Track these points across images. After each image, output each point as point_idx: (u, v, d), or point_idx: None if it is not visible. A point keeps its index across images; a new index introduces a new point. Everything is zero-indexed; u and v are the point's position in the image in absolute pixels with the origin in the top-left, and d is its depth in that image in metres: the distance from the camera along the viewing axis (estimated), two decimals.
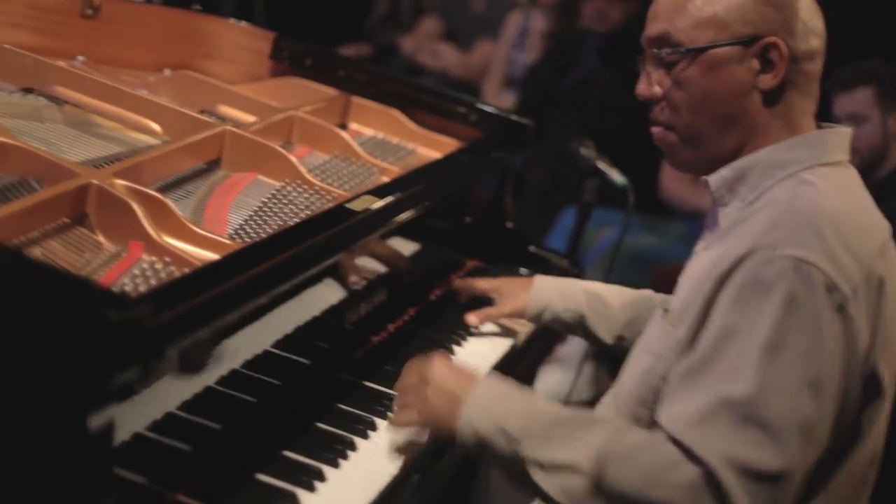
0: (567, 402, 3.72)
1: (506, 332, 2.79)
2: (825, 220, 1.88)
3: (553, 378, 4.45)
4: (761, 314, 1.83)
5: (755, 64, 2.01)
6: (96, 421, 1.57)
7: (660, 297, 2.56)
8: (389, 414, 2.22)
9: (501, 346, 2.73)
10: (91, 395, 1.57)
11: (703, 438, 1.82)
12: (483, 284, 2.81)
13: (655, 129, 2.12)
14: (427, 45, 6.91)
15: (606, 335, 2.62)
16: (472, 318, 2.73)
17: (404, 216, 2.48)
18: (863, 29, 6.02)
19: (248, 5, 4.54)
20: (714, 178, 2.08)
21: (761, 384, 1.80)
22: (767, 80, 2.01)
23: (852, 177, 2.07)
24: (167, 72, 3.21)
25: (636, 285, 2.71)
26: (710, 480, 1.79)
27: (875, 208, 2.07)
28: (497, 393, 2.03)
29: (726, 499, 1.78)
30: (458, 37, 6.91)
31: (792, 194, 1.96)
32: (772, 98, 2.02)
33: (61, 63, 2.79)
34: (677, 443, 1.84)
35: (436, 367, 2.11)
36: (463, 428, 1.99)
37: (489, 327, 2.78)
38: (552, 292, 2.69)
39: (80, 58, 3.03)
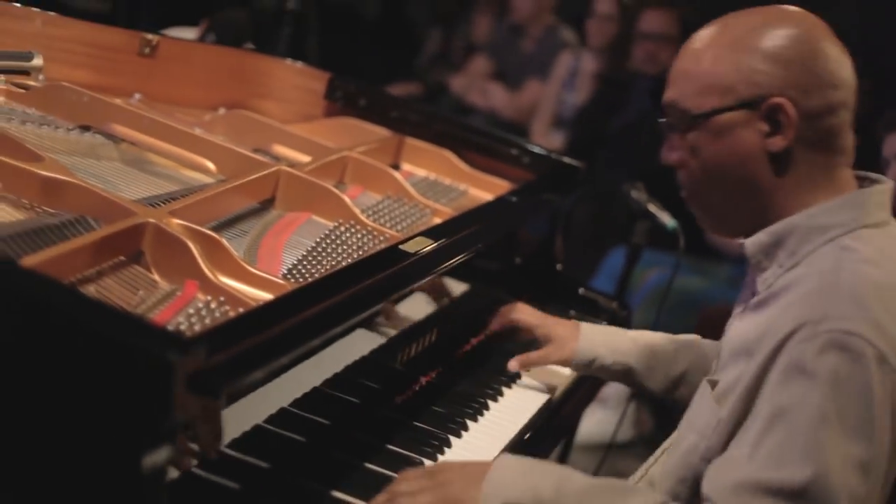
0: (611, 442, 3.72)
1: (552, 374, 2.78)
2: (870, 288, 1.85)
3: (596, 418, 4.44)
4: (808, 394, 1.80)
5: (764, 126, 1.96)
6: (150, 461, 1.58)
7: (707, 343, 2.54)
8: None
9: (547, 390, 2.73)
10: (146, 436, 1.58)
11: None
12: (531, 319, 2.73)
13: (684, 195, 2.10)
14: (477, 85, 6.93)
15: (655, 387, 2.58)
16: (513, 363, 2.65)
17: (458, 258, 2.49)
18: None
19: (300, 45, 4.58)
20: (750, 243, 2.03)
21: (810, 467, 1.78)
22: (777, 143, 1.95)
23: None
24: (222, 111, 3.24)
25: (682, 326, 2.71)
26: None
27: None
28: (524, 464, 2.02)
29: None
30: (508, 77, 6.93)
31: (835, 264, 1.91)
32: (786, 160, 1.97)
33: (118, 101, 2.83)
34: None
35: (441, 462, 2.15)
36: (490, 498, 1.93)
37: (535, 372, 2.77)
38: (600, 343, 2.62)
39: (137, 95, 3.07)
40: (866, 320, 1.81)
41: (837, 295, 1.84)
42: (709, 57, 1.99)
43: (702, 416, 2.04)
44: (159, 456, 1.59)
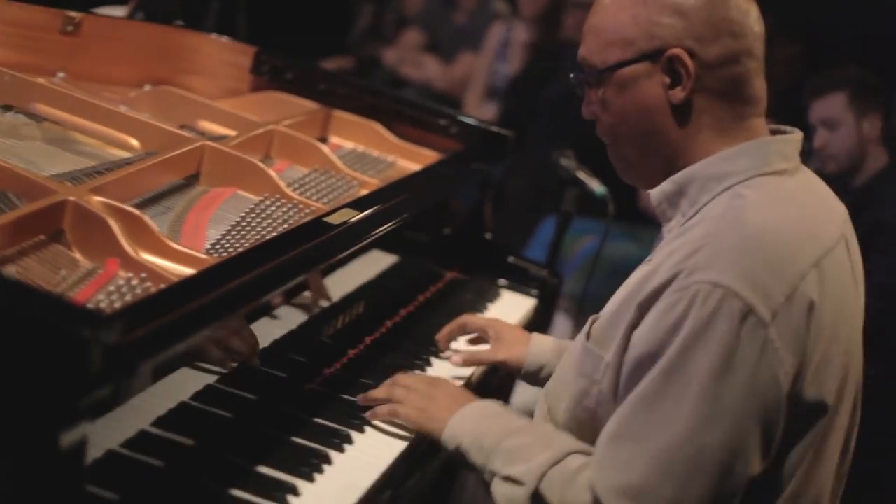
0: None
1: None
2: (747, 238, 1.85)
3: (529, 391, 4.43)
4: (670, 344, 1.83)
5: (665, 78, 1.96)
6: (68, 439, 1.58)
7: None
8: (379, 408, 2.26)
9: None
10: (63, 413, 1.58)
11: (600, 469, 1.89)
12: (479, 322, 2.69)
13: (607, 148, 2.12)
14: (409, 58, 6.92)
15: None
16: (457, 359, 2.62)
17: (383, 229, 2.49)
18: (840, 38, 6.08)
19: (230, 21, 4.55)
20: (655, 193, 2.05)
21: (656, 411, 1.83)
22: (677, 94, 1.96)
23: (798, 183, 2.02)
24: (148, 87, 3.22)
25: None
26: None
27: (825, 214, 2.01)
28: (484, 412, 2.16)
29: None
30: (441, 49, 6.92)
31: (720, 212, 1.92)
32: (689, 111, 1.98)
33: (41, 80, 2.80)
34: (588, 472, 1.92)
35: (440, 378, 2.34)
36: (449, 434, 2.13)
37: (465, 343, 2.77)
38: (550, 351, 2.58)
39: (61, 74, 3.04)
40: (736, 271, 1.81)
41: (713, 245, 1.85)
42: (612, 11, 2.01)
43: (586, 361, 2.06)
44: (77, 433, 1.58)
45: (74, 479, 1.62)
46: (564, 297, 5.04)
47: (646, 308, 1.89)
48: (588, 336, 2.08)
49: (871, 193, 4.44)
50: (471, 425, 2.12)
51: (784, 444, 1.90)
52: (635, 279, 2.02)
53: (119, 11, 3.73)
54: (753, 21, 1.99)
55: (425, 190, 2.83)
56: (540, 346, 2.60)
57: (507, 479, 2.01)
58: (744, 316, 1.79)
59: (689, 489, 1.81)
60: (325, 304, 2.47)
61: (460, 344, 2.73)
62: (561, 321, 5.01)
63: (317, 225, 2.35)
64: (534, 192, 5.55)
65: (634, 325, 1.91)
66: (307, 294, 2.40)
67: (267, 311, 2.25)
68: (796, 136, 2.05)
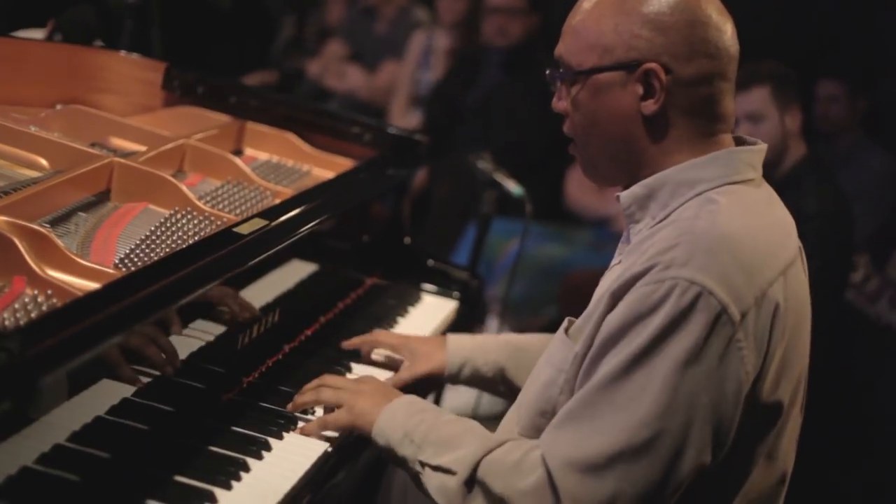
0: (474, 417, 3.74)
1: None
2: (722, 240, 1.91)
3: (459, 395, 4.44)
4: (640, 332, 1.88)
5: (638, 89, 2.01)
6: None
7: None
8: (307, 426, 2.28)
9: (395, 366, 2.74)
10: None
11: (552, 441, 1.93)
12: (390, 339, 2.72)
13: (570, 144, 2.16)
14: (333, 68, 6.92)
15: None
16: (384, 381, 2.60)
17: (293, 237, 2.50)
18: (758, 32, 6.14)
19: (145, 38, 4.54)
20: (625, 195, 2.09)
21: (618, 392, 1.88)
22: (649, 106, 2.01)
23: (763, 195, 2.08)
24: (59, 107, 3.21)
25: (546, 294, 2.74)
26: (550, 483, 1.90)
27: (785, 227, 2.08)
28: (412, 407, 2.20)
29: (559, 500, 1.89)
30: (364, 59, 6.93)
31: (695, 213, 1.97)
32: (659, 123, 2.03)
33: None
34: (537, 450, 1.96)
35: (367, 375, 2.40)
36: (378, 430, 2.17)
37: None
38: (469, 347, 2.65)
39: None
40: (712, 270, 1.87)
41: (689, 243, 1.90)
42: (594, 16, 2.04)
43: (558, 351, 2.11)
44: None
45: None
46: (495, 300, 5.07)
47: (619, 297, 1.94)
48: (566, 332, 2.13)
49: (790, 184, 4.50)
50: (401, 419, 2.16)
51: (740, 443, 1.95)
52: (609, 279, 2.08)
53: (38, 34, 3.71)
54: (729, 43, 2.04)
55: (336, 197, 2.83)
56: (457, 345, 2.66)
57: (438, 468, 2.05)
58: (717, 315, 1.86)
59: (638, 471, 1.86)
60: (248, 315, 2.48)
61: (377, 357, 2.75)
62: (492, 324, 5.03)
63: (225, 235, 2.35)
64: (459, 197, 5.56)
65: (607, 313, 1.96)
66: (226, 308, 2.40)
67: (183, 323, 2.26)
68: (761, 147, 2.10)
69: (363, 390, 2.28)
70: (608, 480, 1.86)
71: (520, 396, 2.25)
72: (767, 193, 2.10)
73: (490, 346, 2.66)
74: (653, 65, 1.99)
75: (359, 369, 2.66)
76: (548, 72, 2.13)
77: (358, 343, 2.72)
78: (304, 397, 2.33)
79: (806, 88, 4.90)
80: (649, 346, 1.86)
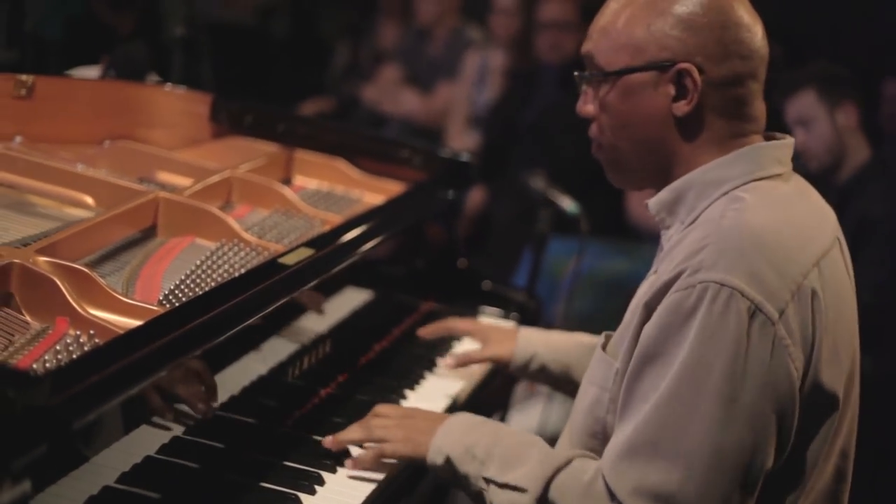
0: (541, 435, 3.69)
1: (460, 375, 2.75)
2: (749, 238, 1.88)
3: (525, 417, 4.39)
4: (679, 343, 1.84)
5: (671, 90, 1.99)
6: (6, 498, 1.54)
7: None
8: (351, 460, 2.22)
9: (453, 389, 2.70)
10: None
11: (617, 474, 1.88)
12: (466, 325, 2.79)
13: (594, 147, 2.13)
14: (389, 93, 6.90)
15: None
16: (450, 361, 2.72)
17: (339, 266, 2.47)
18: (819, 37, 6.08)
19: (196, 71, 4.57)
20: (654, 202, 2.07)
21: (672, 414, 1.84)
22: (681, 107, 1.99)
23: (793, 188, 2.05)
24: (107, 143, 3.20)
25: (612, 309, 2.68)
26: None
27: (818, 218, 2.05)
28: (470, 422, 2.16)
29: None
30: (419, 81, 6.90)
31: (720, 213, 1.94)
32: (691, 124, 2.00)
33: None
34: (603, 478, 1.91)
35: (409, 406, 2.34)
36: (435, 449, 2.11)
37: (442, 373, 2.75)
38: (539, 343, 2.64)
39: (18, 139, 3.01)
40: (742, 270, 1.84)
41: (715, 244, 1.87)
42: (625, 16, 2.01)
43: (598, 369, 2.09)
44: (15, 493, 1.54)
45: None
46: (560, 319, 5.00)
47: (652, 307, 1.91)
48: (604, 348, 2.11)
49: (855, 190, 4.42)
50: (457, 436, 2.12)
51: (799, 441, 1.92)
52: (643, 289, 2.06)
53: (93, 72, 3.73)
54: (760, 44, 2.02)
55: (383, 222, 2.79)
56: (527, 339, 2.66)
57: (506, 486, 2.01)
58: (752, 314, 1.82)
59: (710, 488, 1.82)
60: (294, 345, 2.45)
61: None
62: None
63: (270, 266, 2.32)
64: (518, 217, 5.52)
65: (643, 325, 1.93)
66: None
67: (235, 357, 2.23)
68: (788, 141, 2.07)
69: (414, 419, 2.23)
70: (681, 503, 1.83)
71: (570, 418, 2.21)
72: (797, 186, 2.07)
73: (559, 344, 2.64)
74: (686, 65, 1.97)
75: (413, 396, 2.62)
76: (575, 74, 2.10)
77: (431, 331, 2.79)
78: (351, 434, 2.26)
79: (871, 88, 4.82)
80: (691, 359, 1.83)
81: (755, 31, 2.01)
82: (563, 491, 1.95)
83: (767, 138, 2.07)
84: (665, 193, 2.04)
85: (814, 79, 4.37)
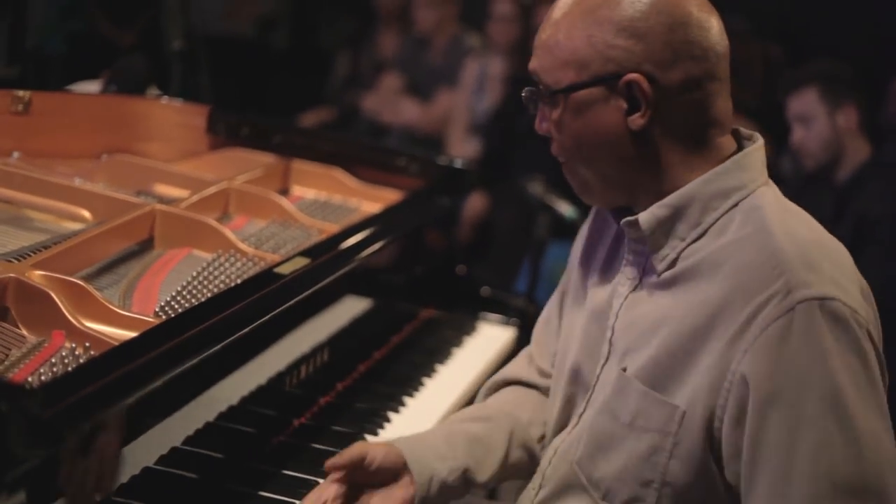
0: None
1: (464, 371, 2.76)
2: (810, 248, 1.81)
3: None
4: (812, 371, 1.73)
5: (622, 104, 1.86)
6: None
7: (521, 393, 2.34)
8: None
9: (453, 396, 2.70)
10: None
11: None
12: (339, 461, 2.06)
13: (562, 168, 2.01)
14: (389, 102, 6.90)
15: (487, 477, 2.17)
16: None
17: (335, 275, 2.47)
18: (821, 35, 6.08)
19: (195, 83, 4.57)
20: (646, 219, 1.91)
21: (850, 444, 1.73)
22: (636, 120, 1.86)
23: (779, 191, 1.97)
24: (105, 157, 3.21)
25: None
26: None
27: None
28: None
29: None
30: (420, 90, 6.91)
31: (759, 228, 1.84)
32: (650, 137, 1.88)
33: None
34: None
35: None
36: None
37: (442, 380, 2.74)
38: (427, 458, 2.10)
39: (16, 154, 3.02)
40: (829, 281, 1.76)
41: (787, 262, 1.78)
42: (564, 29, 1.88)
43: (650, 414, 1.89)
44: None
45: None
46: None
47: (737, 341, 1.78)
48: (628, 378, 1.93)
49: (854, 188, 4.42)
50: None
51: None
52: (653, 310, 1.92)
53: (94, 87, 3.75)
54: (716, 39, 1.88)
55: (379, 230, 2.79)
56: (417, 459, 2.09)
57: None
58: (857, 320, 1.75)
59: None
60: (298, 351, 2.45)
61: None
62: None
63: (265, 276, 2.33)
64: (519, 224, 5.52)
65: (726, 360, 1.79)
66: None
67: (234, 367, 2.24)
68: (760, 141, 1.97)
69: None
70: None
71: (590, 461, 2.00)
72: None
73: (443, 449, 2.13)
74: (634, 75, 1.84)
75: (413, 404, 2.62)
76: (523, 93, 2.00)
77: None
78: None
79: (875, 86, 4.82)
80: (832, 379, 1.73)
81: (708, 27, 1.87)
82: None
83: (735, 136, 1.97)
84: (659, 210, 1.90)
85: (817, 77, 4.37)
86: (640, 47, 1.84)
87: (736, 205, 1.88)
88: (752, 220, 1.85)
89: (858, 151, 4.45)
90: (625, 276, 2.01)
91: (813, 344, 1.73)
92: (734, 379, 1.78)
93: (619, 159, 1.90)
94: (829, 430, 1.72)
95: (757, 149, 1.95)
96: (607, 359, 2.01)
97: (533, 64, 1.96)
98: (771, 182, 1.96)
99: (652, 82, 1.84)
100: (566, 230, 3.89)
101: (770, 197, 1.90)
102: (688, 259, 1.89)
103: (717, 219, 1.88)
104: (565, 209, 3.56)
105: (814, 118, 4.33)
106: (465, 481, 2.14)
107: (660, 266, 1.93)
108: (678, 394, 1.85)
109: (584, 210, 3.48)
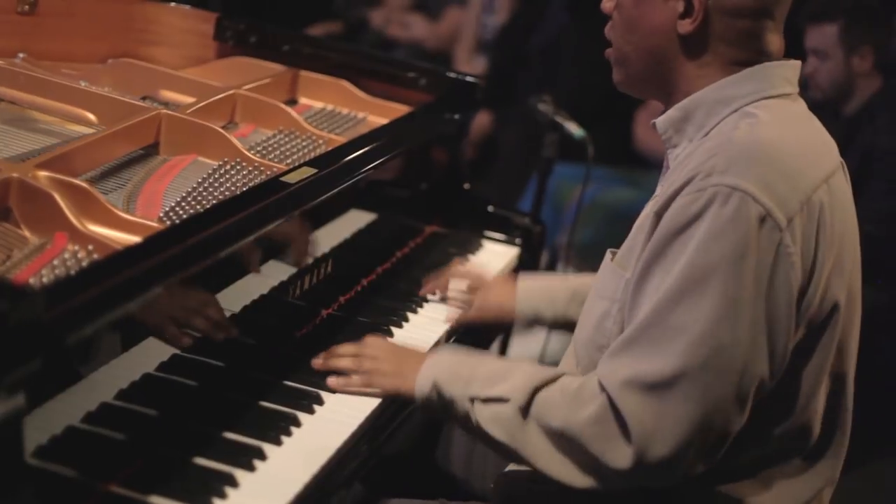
0: (542, 363, 3.68)
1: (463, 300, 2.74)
2: (762, 148, 1.88)
3: (526, 343, 4.38)
4: (685, 242, 1.84)
5: (679, 6, 1.97)
6: None
7: None
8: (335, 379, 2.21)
9: (455, 312, 2.68)
10: None
11: (611, 368, 1.89)
12: (464, 272, 2.75)
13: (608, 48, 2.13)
14: (397, 17, 6.84)
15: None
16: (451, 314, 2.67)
17: (341, 185, 2.45)
18: None
19: None
20: (661, 120, 2.07)
21: (674, 309, 1.83)
22: (685, 25, 1.97)
23: (802, 108, 2.06)
24: (111, 62, 3.17)
25: (616, 237, 2.65)
26: (612, 407, 1.86)
27: (825, 140, 2.06)
28: (457, 351, 2.21)
29: (625, 422, 1.84)
30: (428, 6, 6.84)
31: (733, 126, 1.95)
32: (694, 44, 1.99)
33: None
34: (597, 379, 1.91)
35: (390, 342, 2.33)
36: (423, 377, 2.11)
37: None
38: (540, 297, 2.61)
39: (21, 55, 2.98)
40: (753, 176, 1.84)
41: (728, 152, 1.87)
42: None
43: (608, 282, 2.08)
44: (8, 406, 1.53)
45: (12, 455, 1.57)
46: (564, 247, 4.99)
47: (661, 214, 1.91)
48: (612, 257, 2.12)
49: (863, 120, 4.39)
50: (445, 364, 2.13)
51: (794, 361, 1.92)
52: (649, 206, 2.06)
53: None
54: None
55: (388, 143, 2.75)
56: (527, 295, 2.62)
57: (489, 399, 2.01)
58: (761, 220, 1.82)
59: (701, 389, 1.82)
60: (305, 260, 2.46)
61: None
62: (562, 271, 4.96)
63: (272, 184, 2.30)
64: (524, 142, 5.49)
65: (652, 233, 1.93)
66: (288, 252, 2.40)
67: (235, 277, 2.22)
68: (796, 62, 2.06)
69: (403, 352, 2.25)
70: (671, 400, 1.82)
71: (575, 335, 2.21)
72: (804, 107, 2.07)
73: (558, 295, 2.59)
74: None
75: (415, 318, 2.61)
76: None
77: (430, 287, 2.73)
78: (342, 362, 2.25)
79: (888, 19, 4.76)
80: (696, 259, 1.82)
81: None
82: (550, 402, 1.95)
83: None
84: (673, 112, 2.04)
85: (842, 14, 4.31)
86: None
87: (736, 111, 1.98)
88: (738, 121, 1.96)
89: (869, 86, 4.41)
90: (660, 182, 2.15)
91: (705, 223, 1.82)
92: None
93: (659, 54, 2.02)
94: (679, 297, 1.83)
95: (778, 65, 2.02)
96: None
97: None
98: (795, 97, 2.05)
99: None
100: (573, 151, 3.87)
101: (772, 108, 1.98)
102: (682, 157, 2.02)
103: (718, 123, 1.99)
104: (574, 129, 3.52)
105: (830, 55, 4.29)
106: (571, 327, 2.38)
107: (673, 164, 2.05)
108: (630, 267, 2.00)
109: (597, 133, 3.46)
